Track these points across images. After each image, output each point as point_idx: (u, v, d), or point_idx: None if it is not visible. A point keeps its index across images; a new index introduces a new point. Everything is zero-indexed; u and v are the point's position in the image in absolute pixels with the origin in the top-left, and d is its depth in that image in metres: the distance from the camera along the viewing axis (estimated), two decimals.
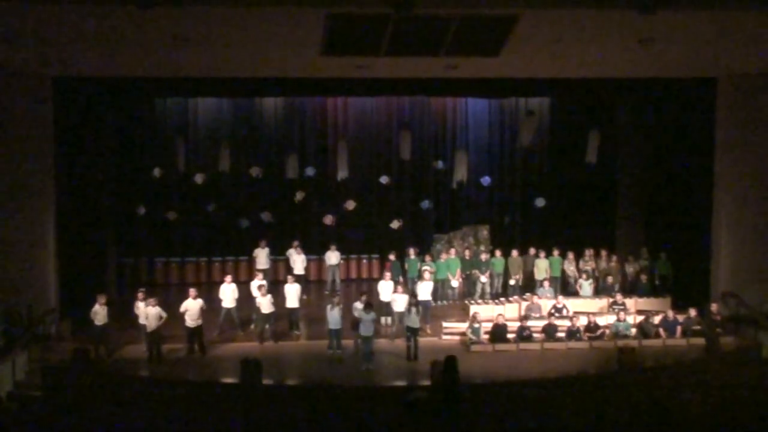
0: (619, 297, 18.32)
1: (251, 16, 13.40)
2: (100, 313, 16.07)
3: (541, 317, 17.57)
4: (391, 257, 19.40)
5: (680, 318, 17.42)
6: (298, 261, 20.20)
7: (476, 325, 16.87)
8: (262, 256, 20.40)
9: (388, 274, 18.33)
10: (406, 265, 19.44)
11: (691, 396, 14.88)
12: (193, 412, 13.92)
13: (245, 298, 17.71)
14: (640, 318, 17.62)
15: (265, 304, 16.87)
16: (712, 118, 18.88)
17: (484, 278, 19.29)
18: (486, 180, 22.31)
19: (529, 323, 17.21)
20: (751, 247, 18.56)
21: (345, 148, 21.09)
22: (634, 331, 17.28)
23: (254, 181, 21.72)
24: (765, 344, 17.11)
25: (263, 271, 19.70)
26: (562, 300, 18.20)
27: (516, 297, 19.16)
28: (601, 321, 17.38)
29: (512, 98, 22.46)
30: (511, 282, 19.51)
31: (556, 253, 19.81)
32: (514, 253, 19.77)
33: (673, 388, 14.93)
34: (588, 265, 19.70)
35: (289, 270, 19.98)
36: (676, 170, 20.38)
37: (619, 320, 17.23)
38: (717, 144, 18.92)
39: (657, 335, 17.16)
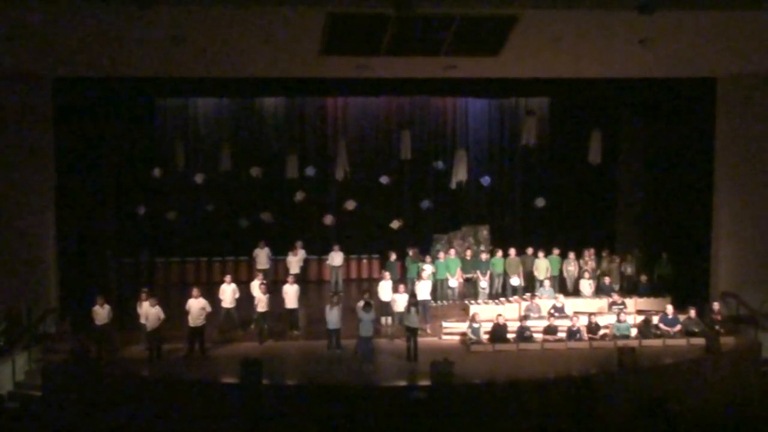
0: (617, 297, 18.31)
1: (251, 16, 13.41)
2: (100, 313, 16.08)
3: (541, 317, 17.56)
4: (392, 257, 19.38)
5: (681, 317, 17.41)
6: (293, 261, 20.17)
7: (476, 325, 16.87)
8: (262, 256, 20.39)
9: (387, 274, 18.33)
10: (406, 263, 19.45)
11: (691, 396, 14.90)
12: (193, 412, 13.94)
13: (245, 298, 17.71)
14: (639, 318, 17.61)
15: (264, 302, 16.88)
16: (711, 118, 18.90)
17: (484, 283, 19.26)
18: (486, 180, 22.29)
19: (529, 323, 17.21)
20: (751, 247, 18.57)
21: (345, 148, 21.10)
22: (634, 331, 17.25)
23: (254, 181, 21.70)
24: (765, 344, 17.12)
25: (263, 271, 19.70)
26: (562, 300, 18.20)
27: (516, 297, 19.15)
28: (602, 321, 17.37)
29: (512, 98, 22.43)
30: (514, 282, 19.48)
31: (555, 252, 19.80)
32: (513, 252, 19.75)
33: (673, 388, 14.96)
34: (588, 265, 19.70)
35: (288, 270, 19.95)
36: (676, 170, 20.38)
37: (619, 321, 17.22)
38: (717, 144, 18.93)
39: (659, 335, 17.13)
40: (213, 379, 14.97)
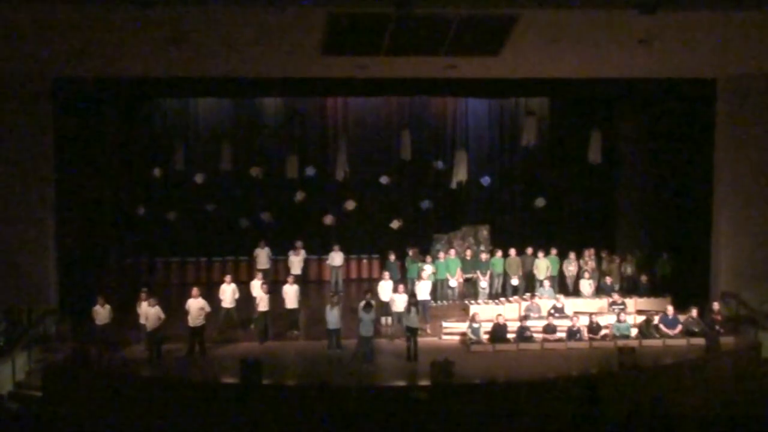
0: (618, 297, 18.31)
1: (251, 16, 13.41)
2: (100, 313, 16.10)
3: (541, 317, 17.55)
4: (391, 257, 19.37)
5: (681, 318, 17.41)
6: (295, 261, 20.18)
7: (476, 325, 16.87)
8: (262, 256, 20.39)
9: (387, 274, 18.33)
10: (406, 264, 19.44)
11: (691, 396, 14.90)
12: (193, 412, 13.94)
13: (245, 298, 17.70)
14: (639, 318, 17.61)
15: (265, 301, 16.89)
16: (711, 119, 18.89)
17: (484, 283, 19.25)
18: (486, 180, 22.29)
19: (529, 323, 17.20)
20: (751, 247, 18.56)
21: (345, 148, 21.11)
22: (634, 331, 17.25)
23: (254, 181, 21.71)
24: (765, 344, 17.12)
25: (263, 271, 19.68)
26: (563, 300, 18.19)
27: (516, 297, 19.15)
28: (602, 321, 17.35)
29: (512, 98, 22.43)
30: (514, 282, 19.48)
31: (553, 252, 19.79)
32: (513, 252, 19.74)
33: (673, 388, 14.96)
34: (588, 265, 19.69)
35: (289, 270, 19.94)
36: (676, 170, 20.38)
37: (619, 321, 17.21)
38: (717, 144, 18.93)
39: (658, 332, 17.11)
40: (213, 379, 14.97)
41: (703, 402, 14.80)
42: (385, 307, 17.80)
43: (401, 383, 14.91)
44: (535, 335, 17.00)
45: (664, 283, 19.50)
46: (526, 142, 21.34)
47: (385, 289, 17.83)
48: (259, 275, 18.65)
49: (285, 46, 15.23)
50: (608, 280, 19.15)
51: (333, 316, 16.30)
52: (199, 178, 21.31)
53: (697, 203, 19.52)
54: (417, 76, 18.07)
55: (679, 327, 17.22)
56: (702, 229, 19.30)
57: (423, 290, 17.80)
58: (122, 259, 21.52)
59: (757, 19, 13.86)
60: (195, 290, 16.55)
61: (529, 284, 19.61)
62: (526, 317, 17.49)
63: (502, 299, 19.09)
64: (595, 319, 17.25)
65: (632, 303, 18.53)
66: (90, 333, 16.32)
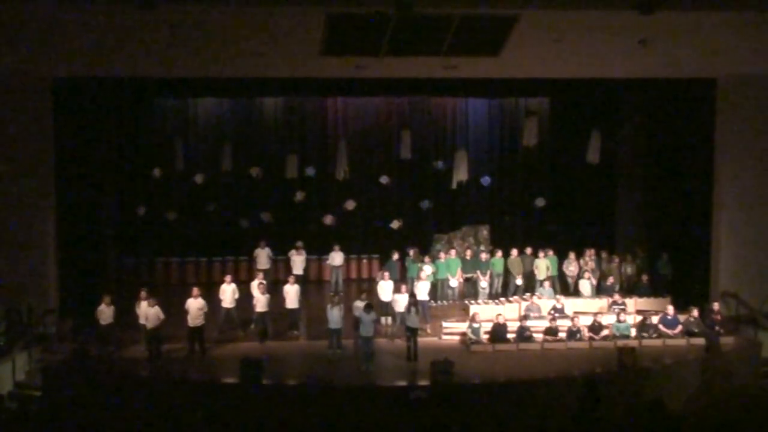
0: (618, 297, 18.30)
1: (251, 16, 13.42)
2: (105, 312, 16.08)
3: (541, 317, 17.55)
4: (394, 257, 19.37)
5: (681, 318, 17.41)
6: (297, 261, 20.18)
7: (476, 325, 16.87)
8: (262, 256, 20.38)
9: (387, 274, 18.33)
10: (407, 264, 19.44)
11: (691, 396, 14.89)
12: (193, 412, 13.93)
13: (245, 298, 17.70)
14: (640, 318, 17.60)
15: (262, 302, 16.89)
16: (712, 119, 18.89)
17: (484, 283, 19.26)
18: (486, 180, 22.30)
19: (529, 323, 17.20)
20: (751, 247, 18.57)
21: (345, 148, 21.10)
22: (634, 331, 17.24)
23: (254, 181, 21.71)
24: (765, 344, 17.11)
25: (264, 271, 19.68)
26: (562, 300, 18.19)
27: (516, 297, 19.15)
28: (602, 321, 17.34)
29: (512, 98, 22.44)
30: (518, 282, 19.47)
31: (550, 253, 19.77)
32: (514, 253, 19.75)
33: (673, 388, 14.95)
34: (588, 265, 19.69)
35: (289, 270, 19.96)
36: (676, 170, 20.38)
37: (619, 321, 17.21)
38: (717, 144, 18.93)
39: (657, 335, 17.11)
40: (213, 379, 14.97)
41: (703, 402, 14.79)
42: (383, 307, 17.80)
43: (401, 383, 14.91)
44: (535, 335, 17.00)
45: (664, 283, 19.50)
46: (526, 142, 21.35)
47: (384, 289, 17.83)
48: (260, 275, 18.66)
49: (285, 46, 15.23)
50: (610, 280, 19.14)
51: (334, 316, 16.29)
52: (199, 178, 21.32)
53: (697, 203, 19.52)
54: (417, 76, 18.07)
55: (679, 327, 17.21)
56: (702, 229, 19.30)
57: (422, 290, 17.80)
58: (122, 259, 21.53)
59: (757, 19, 13.87)
60: (195, 290, 16.55)
61: (529, 284, 19.62)
62: (526, 317, 17.49)
63: (502, 299, 19.09)
64: (599, 318, 17.21)
65: (632, 303, 18.52)
66: (90, 333, 16.31)
